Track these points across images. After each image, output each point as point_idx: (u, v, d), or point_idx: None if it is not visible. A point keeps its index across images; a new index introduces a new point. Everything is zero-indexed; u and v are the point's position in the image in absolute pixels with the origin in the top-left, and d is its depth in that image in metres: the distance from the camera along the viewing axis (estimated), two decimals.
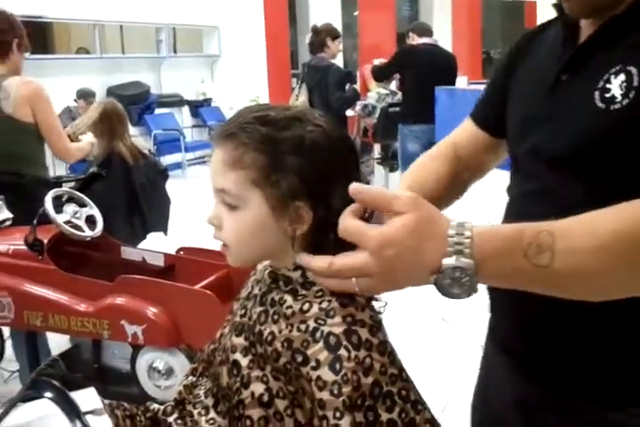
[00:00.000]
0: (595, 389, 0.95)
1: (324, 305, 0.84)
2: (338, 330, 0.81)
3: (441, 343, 3.37)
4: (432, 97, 5.01)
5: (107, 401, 1.01)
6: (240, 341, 0.92)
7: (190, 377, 1.06)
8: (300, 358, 0.82)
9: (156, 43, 9.21)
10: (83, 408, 0.96)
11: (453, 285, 0.77)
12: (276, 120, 0.85)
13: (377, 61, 6.06)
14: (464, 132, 1.23)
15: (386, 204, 0.78)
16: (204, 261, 2.72)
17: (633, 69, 0.85)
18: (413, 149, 4.92)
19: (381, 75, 5.42)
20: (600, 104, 0.87)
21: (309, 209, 0.84)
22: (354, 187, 0.79)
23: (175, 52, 9.62)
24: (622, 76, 0.86)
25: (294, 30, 10.41)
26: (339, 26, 6.01)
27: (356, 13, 10.61)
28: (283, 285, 0.89)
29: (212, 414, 0.98)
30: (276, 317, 0.87)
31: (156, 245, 3.11)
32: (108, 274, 2.56)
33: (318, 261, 0.81)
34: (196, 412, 1.00)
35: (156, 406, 1.04)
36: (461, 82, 6.99)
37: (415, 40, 5.23)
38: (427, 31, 5.28)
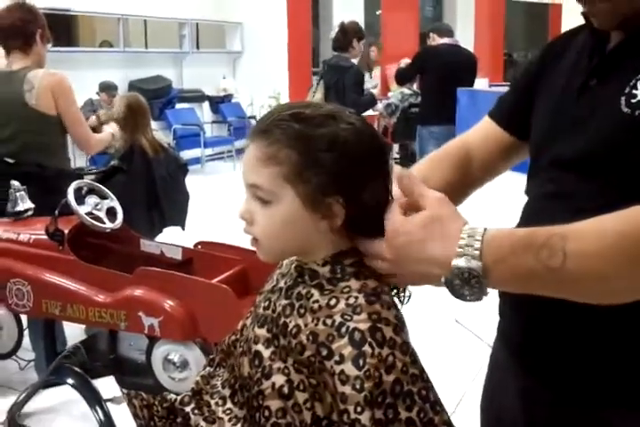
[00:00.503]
0: (591, 388, 0.96)
1: (351, 301, 0.85)
2: (363, 326, 0.82)
3: (453, 345, 3.37)
4: (452, 98, 5.00)
5: (125, 390, 1.03)
6: (262, 332, 0.93)
7: (208, 368, 1.08)
8: (324, 352, 0.83)
9: (179, 38, 9.25)
10: (103, 396, 0.98)
11: (464, 286, 0.80)
12: (311, 117, 0.86)
13: (403, 62, 6.04)
14: (481, 131, 1.21)
15: (416, 196, 0.85)
16: (221, 256, 2.73)
17: None
18: (432, 151, 4.88)
19: (404, 77, 5.39)
20: (626, 109, 0.88)
21: (341, 205, 0.86)
22: (400, 171, 0.87)
23: (198, 47, 9.66)
24: None
25: (316, 28, 10.41)
26: (361, 24, 6.02)
27: (378, 13, 10.59)
28: (308, 279, 0.91)
29: (229, 404, 1.00)
30: (302, 310, 0.88)
31: (173, 240, 3.13)
32: (126, 266, 2.58)
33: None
34: (213, 402, 1.01)
35: (173, 396, 1.06)
36: (482, 84, 6.97)
37: (436, 40, 5.21)
38: (447, 31, 5.26)
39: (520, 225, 1.07)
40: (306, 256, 0.92)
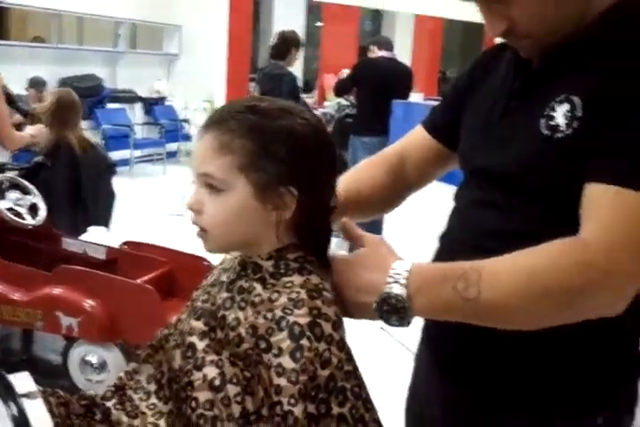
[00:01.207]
0: (506, 391, 1.00)
1: (293, 296, 0.86)
2: (303, 321, 0.83)
3: (378, 352, 3.38)
4: (386, 109, 5.03)
5: (41, 388, 1.00)
6: (199, 325, 0.92)
7: (132, 364, 1.05)
8: (263, 345, 0.83)
9: (115, 37, 9.09)
10: (17, 391, 0.95)
11: (392, 312, 0.88)
12: (267, 110, 0.88)
13: (344, 74, 6.08)
14: (414, 140, 1.25)
15: (357, 238, 0.97)
16: (146, 257, 2.68)
17: (576, 99, 0.89)
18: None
19: (342, 88, 5.41)
20: (545, 131, 0.92)
21: (293, 196, 0.87)
22: (345, 221, 0.98)
23: (133, 47, 9.50)
24: (566, 106, 0.90)
25: (256, 37, 10.41)
26: (302, 35, 6.05)
27: (318, 24, 10.67)
28: (251, 273, 0.91)
29: (154, 399, 0.99)
30: (243, 304, 0.88)
31: (99, 241, 3.05)
32: (47, 264, 2.51)
33: None
34: (136, 397, 1.00)
35: (92, 392, 1.03)
36: (418, 98, 7.08)
37: (375, 53, 5.27)
38: (387, 44, 5.31)
39: (447, 230, 1.10)
40: (251, 249, 0.92)
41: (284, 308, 0.85)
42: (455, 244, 1.06)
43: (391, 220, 4.16)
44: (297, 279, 0.88)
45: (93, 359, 2.40)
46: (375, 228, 4.95)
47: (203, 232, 0.90)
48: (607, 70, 0.88)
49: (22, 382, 0.99)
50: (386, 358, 3.26)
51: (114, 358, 2.38)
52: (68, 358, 2.42)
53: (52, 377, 2.42)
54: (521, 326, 0.88)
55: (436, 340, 1.10)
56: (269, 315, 0.85)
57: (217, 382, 0.87)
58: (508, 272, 0.85)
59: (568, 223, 0.89)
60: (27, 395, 0.97)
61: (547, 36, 0.94)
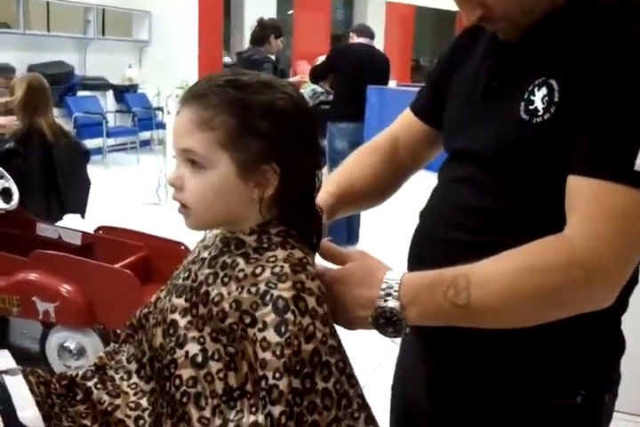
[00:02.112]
0: (491, 372, 1.01)
1: (277, 270, 0.85)
2: (287, 294, 0.83)
3: (355, 337, 3.39)
4: (362, 96, 4.96)
5: (20, 367, 0.98)
6: (180, 302, 0.91)
7: (112, 344, 1.04)
8: (247, 320, 0.83)
9: (84, 23, 8.95)
10: None
11: (388, 324, 0.89)
12: (248, 84, 0.86)
13: (320, 60, 6.04)
14: (404, 123, 1.25)
15: (342, 258, 0.97)
16: (122, 242, 2.66)
17: (554, 84, 0.90)
18: (341, 147, 4.87)
19: (317, 75, 5.35)
20: (524, 116, 0.92)
21: (275, 172, 0.86)
22: (325, 245, 0.98)
23: (103, 34, 9.37)
24: (544, 90, 0.90)
25: (227, 25, 10.32)
26: None
27: (290, 12, 10.62)
28: (234, 248, 0.90)
29: (135, 378, 0.97)
30: (226, 279, 0.88)
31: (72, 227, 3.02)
32: (22, 250, 2.47)
33: None
34: (117, 377, 0.99)
35: (72, 372, 1.01)
36: (391, 84, 7.09)
37: (354, 40, 5.26)
38: (365, 32, 5.27)
39: (427, 207, 1.11)
40: (232, 226, 0.91)
41: (268, 282, 0.84)
42: (435, 220, 1.06)
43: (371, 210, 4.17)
44: (280, 254, 0.88)
45: (72, 345, 2.37)
46: (353, 221, 4.94)
47: (184, 208, 0.89)
48: (580, 51, 0.88)
49: (1, 359, 0.99)
50: (363, 344, 3.26)
51: (92, 344, 2.35)
52: (45, 345, 2.39)
53: (29, 364, 2.39)
54: (514, 326, 0.90)
55: (424, 329, 1.10)
56: (253, 289, 0.84)
57: (199, 359, 0.86)
58: (495, 275, 0.86)
59: (544, 204, 0.91)
60: (6, 371, 0.96)
61: (522, 18, 0.94)
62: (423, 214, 1.11)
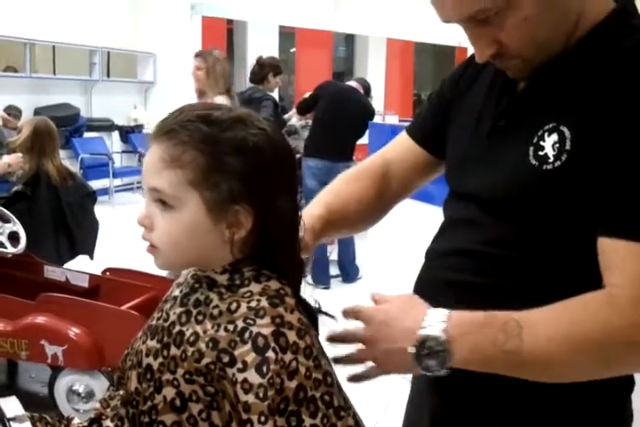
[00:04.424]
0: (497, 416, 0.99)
1: (253, 304, 0.82)
2: (266, 331, 0.80)
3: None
4: (338, 135, 4.86)
5: (28, 413, 0.97)
6: (153, 344, 0.88)
7: (111, 389, 1.02)
8: (226, 359, 0.80)
9: (90, 65, 9.08)
10: (6, 414, 0.94)
11: (431, 356, 0.86)
12: (220, 120, 0.82)
13: (308, 94, 6.07)
14: (400, 148, 1.22)
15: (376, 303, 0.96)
16: (130, 283, 2.66)
17: (566, 131, 0.88)
18: (312, 186, 4.71)
19: (304, 107, 5.31)
20: (533, 161, 0.91)
21: (249, 213, 0.82)
22: (351, 309, 0.95)
23: (108, 76, 9.51)
24: (555, 136, 0.89)
25: (231, 62, 10.46)
26: None
27: (293, 50, 10.77)
28: (206, 286, 0.87)
29: (127, 424, 0.93)
30: (200, 317, 0.85)
31: (81, 269, 3.03)
32: (29, 293, 2.47)
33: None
34: (112, 425, 0.95)
35: (77, 421, 1.00)
36: (393, 120, 7.14)
37: (347, 83, 5.30)
38: (359, 80, 5.29)
39: (432, 246, 1.09)
40: (203, 265, 0.88)
41: (246, 318, 0.81)
42: (439, 261, 1.05)
43: (370, 240, 4.18)
44: (255, 288, 0.84)
45: (80, 388, 2.36)
46: (347, 250, 4.91)
47: (153, 248, 0.85)
48: (596, 96, 0.87)
49: (10, 405, 0.98)
50: (374, 381, 3.23)
51: (101, 387, 2.34)
52: (54, 389, 2.39)
53: (38, 409, 2.37)
54: (557, 380, 0.88)
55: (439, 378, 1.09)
56: (230, 326, 0.81)
57: (177, 403, 0.83)
58: (547, 325, 0.84)
59: (550, 249, 0.90)
60: (14, 418, 0.95)
61: (536, 56, 0.93)
62: (428, 254, 1.09)
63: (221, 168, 0.81)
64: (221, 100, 3.82)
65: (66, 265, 3.40)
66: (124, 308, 2.38)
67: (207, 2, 8.41)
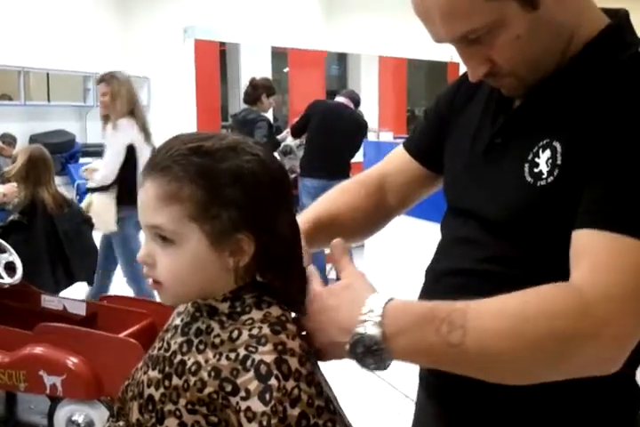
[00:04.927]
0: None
1: (255, 332, 0.82)
2: (269, 358, 0.79)
3: (373, 398, 3.33)
4: (330, 153, 4.88)
5: None
6: (154, 374, 0.88)
7: (110, 420, 1.01)
8: (228, 388, 0.80)
9: (84, 91, 9.13)
10: None
11: (367, 354, 0.80)
12: (212, 151, 0.82)
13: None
14: (396, 162, 1.22)
15: (341, 266, 0.92)
16: (127, 310, 2.65)
17: (558, 146, 0.88)
18: (308, 205, 4.72)
19: (297, 129, 5.35)
20: (529, 178, 0.91)
21: (250, 240, 0.83)
22: (336, 241, 0.94)
23: None
24: (548, 152, 0.89)
25: (224, 84, 10.51)
26: None
27: (286, 70, 10.83)
28: (206, 315, 0.87)
29: None
30: (201, 346, 0.85)
31: (80, 295, 3.03)
32: (27, 324, 2.46)
33: None
34: None
35: None
36: (387, 137, 7.16)
37: (336, 99, 5.31)
38: (347, 94, 5.27)
39: (431, 265, 1.09)
40: (207, 296, 0.87)
41: (248, 346, 0.81)
42: (438, 280, 1.05)
43: (366, 257, 4.16)
44: (256, 315, 0.84)
45: (80, 418, 2.35)
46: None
47: (157, 284, 0.85)
48: (587, 111, 0.87)
49: None
50: (381, 404, 3.21)
51: (100, 416, 2.33)
52: (53, 419, 2.37)
53: None
54: (508, 379, 0.83)
55: (439, 388, 1.05)
56: (232, 355, 0.81)
57: None
58: (495, 316, 0.79)
59: (548, 266, 0.88)
60: None
61: (529, 74, 0.93)
62: (428, 275, 1.09)
63: (221, 199, 0.81)
64: (125, 122, 3.82)
65: (64, 292, 3.40)
66: (121, 335, 2.37)
67: (199, 25, 8.45)
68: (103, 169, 3.82)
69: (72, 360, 2.30)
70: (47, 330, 2.38)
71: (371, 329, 0.80)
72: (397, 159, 1.22)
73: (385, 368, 0.82)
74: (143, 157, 3.92)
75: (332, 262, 0.95)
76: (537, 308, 0.79)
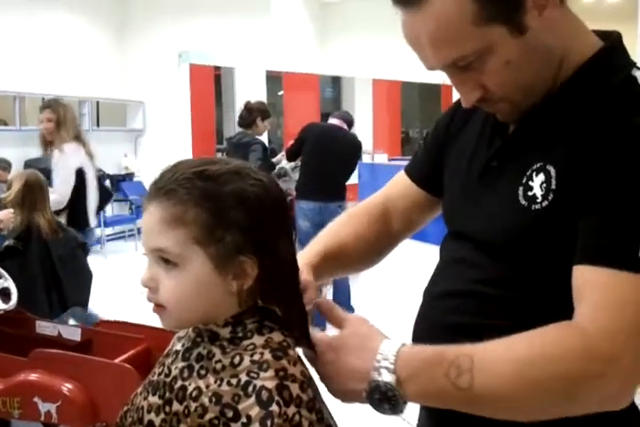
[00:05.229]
0: None
1: (256, 357, 0.83)
2: (270, 385, 0.80)
3: (373, 424, 3.29)
4: (328, 175, 4.92)
5: None
6: (155, 399, 0.88)
7: None
8: (230, 414, 0.80)
9: (79, 116, 9.16)
10: None
11: (383, 400, 0.83)
12: (216, 175, 0.84)
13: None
14: (398, 187, 1.23)
15: (337, 318, 0.94)
16: (122, 335, 2.63)
17: (552, 170, 0.89)
18: (305, 227, 4.78)
19: (292, 153, 5.36)
20: (523, 201, 0.92)
21: (254, 263, 0.83)
22: (323, 302, 0.96)
23: (98, 125, 9.58)
24: (542, 176, 0.90)
25: (219, 107, 10.57)
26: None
27: (280, 93, 10.90)
28: (207, 340, 0.87)
29: None
30: (202, 372, 0.85)
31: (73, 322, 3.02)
32: (21, 350, 2.44)
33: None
34: None
35: None
36: (382, 158, 7.20)
37: (329, 121, 5.34)
38: (339, 115, 5.30)
39: (428, 286, 1.09)
40: (210, 320, 0.88)
41: (249, 371, 0.81)
42: (434, 302, 1.05)
43: (364, 280, 4.15)
44: (258, 340, 0.85)
45: None
46: (343, 290, 4.88)
47: (159, 308, 0.86)
48: (580, 136, 0.87)
49: None
50: None
51: None
52: None
53: None
54: (518, 418, 0.85)
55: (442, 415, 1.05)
56: (234, 380, 0.81)
57: None
58: (501, 360, 0.81)
59: (545, 289, 0.89)
60: None
61: (522, 99, 0.94)
62: (426, 296, 1.09)
63: (225, 222, 0.82)
64: (73, 146, 3.86)
65: (62, 316, 3.38)
66: (116, 361, 2.35)
67: (194, 49, 8.53)
68: (56, 194, 3.85)
69: (67, 386, 2.28)
70: (42, 356, 2.36)
71: (386, 376, 0.83)
72: (399, 184, 1.23)
73: (401, 412, 0.85)
74: (90, 180, 3.98)
75: (327, 319, 0.96)
76: (541, 351, 0.80)
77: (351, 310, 4.92)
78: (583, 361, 0.79)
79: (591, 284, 0.82)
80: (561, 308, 0.88)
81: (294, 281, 0.90)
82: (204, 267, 0.83)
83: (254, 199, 0.83)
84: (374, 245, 1.21)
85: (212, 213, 0.82)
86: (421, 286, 1.12)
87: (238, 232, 0.82)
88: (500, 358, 0.82)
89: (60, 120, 3.92)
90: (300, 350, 0.90)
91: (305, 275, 1.03)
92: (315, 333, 0.92)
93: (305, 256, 1.09)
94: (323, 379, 0.90)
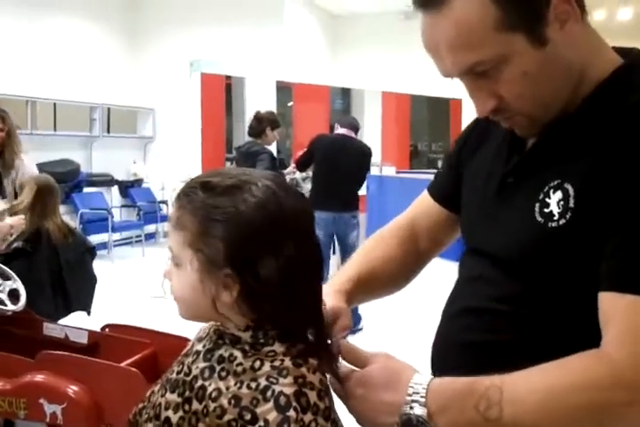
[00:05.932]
0: None
1: (277, 363, 0.84)
2: (289, 390, 0.81)
3: None
4: (337, 185, 4.95)
5: None
6: (173, 397, 0.90)
7: None
8: (247, 416, 0.81)
9: (90, 122, 9.22)
10: None
11: None
12: (215, 187, 0.87)
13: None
14: (422, 207, 1.24)
15: (364, 359, 0.92)
16: (129, 339, 2.64)
17: (570, 188, 0.89)
18: (320, 237, 4.77)
19: (302, 163, 5.40)
20: (539, 218, 0.91)
21: (235, 277, 0.85)
22: (346, 347, 0.94)
23: (108, 131, 9.64)
24: (559, 194, 0.90)
25: (229, 117, 10.61)
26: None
27: (290, 104, 10.95)
28: (229, 342, 0.90)
29: None
30: (223, 373, 0.86)
31: (80, 324, 3.02)
32: (28, 351, 2.46)
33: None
34: None
35: None
36: (390, 171, 7.21)
37: (337, 130, 5.37)
38: (346, 123, 5.29)
39: (447, 305, 1.10)
40: (220, 321, 0.91)
41: (269, 376, 0.83)
42: (452, 320, 1.05)
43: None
44: (278, 348, 0.87)
45: None
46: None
47: (175, 299, 0.92)
48: (599, 154, 0.86)
49: None
50: None
51: None
52: None
53: None
54: None
55: None
56: (253, 384, 0.83)
57: None
58: (529, 391, 0.82)
59: (560, 306, 0.89)
60: None
61: (538, 113, 0.93)
62: (443, 313, 1.10)
63: (208, 233, 0.85)
64: (27, 157, 3.89)
65: (65, 322, 3.39)
66: (123, 364, 2.36)
67: (206, 59, 8.58)
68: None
69: (73, 389, 2.29)
70: (49, 358, 2.38)
71: (417, 409, 0.84)
72: (423, 204, 1.24)
73: None
74: None
75: (350, 362, 0.95)
76: (569, 381, 0.81)
77: (358, 318, 4.91)
78: (609, 390, 0.78)
79: (615, 311, 0.82)
80: (569, 324, 0.89)
81: (291, 300, 0.88)
82: (193, 271, 0.88)
83: (240, 214, 0.84)
84: (403, 266, 1.22)
85: (201, 222, 0.86)
86: (441, 302, 1.12)
87: (222, 245, 0.85)
88: (528, 389, 0.82)
89: (10, 130, 3.92)
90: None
91: (337, 302, 1.05)
92: (341, 367, 0.93)
93: (336, 283, 1.11)
94: (352, 412, 0.91)
